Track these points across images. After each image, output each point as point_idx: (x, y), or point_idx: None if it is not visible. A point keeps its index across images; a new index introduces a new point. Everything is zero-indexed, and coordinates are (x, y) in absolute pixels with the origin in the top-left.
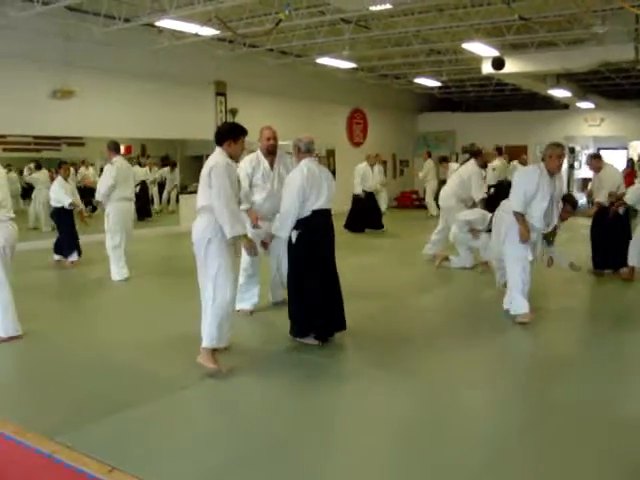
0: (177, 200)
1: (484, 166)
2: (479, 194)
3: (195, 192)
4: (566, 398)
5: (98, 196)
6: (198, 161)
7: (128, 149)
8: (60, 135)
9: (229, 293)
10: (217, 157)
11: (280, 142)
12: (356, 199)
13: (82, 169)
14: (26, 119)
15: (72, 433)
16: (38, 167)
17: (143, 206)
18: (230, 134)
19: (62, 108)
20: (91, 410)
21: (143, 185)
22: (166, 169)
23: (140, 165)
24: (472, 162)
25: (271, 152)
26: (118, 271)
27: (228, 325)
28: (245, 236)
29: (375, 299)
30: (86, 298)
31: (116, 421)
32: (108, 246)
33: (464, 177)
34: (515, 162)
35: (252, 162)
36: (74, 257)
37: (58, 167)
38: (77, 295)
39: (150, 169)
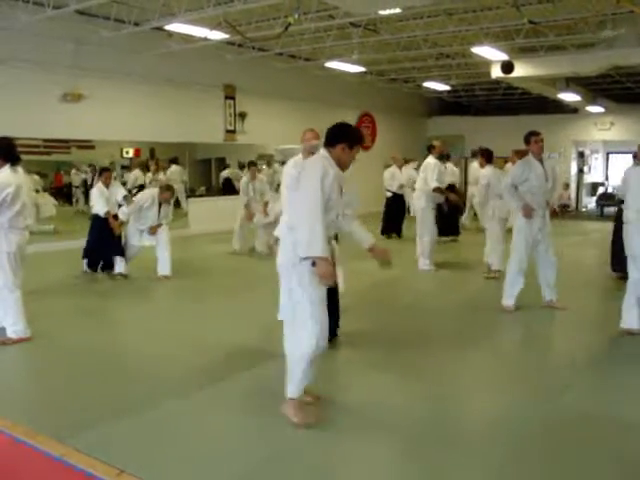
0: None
1: (441, 158)
2: (432, 183)
3: (204, 195)
4: (578, 401)
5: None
6: (207, 164)
7: (137, 152)
8: (70, 138)
9: (318, 334)
10: (316, 157)
11: (291, 145)
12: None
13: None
14: (36, 122)
15: (82, 436)
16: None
17: None
18: (360, 139)
19: (72, 111)
20: (100, 413)
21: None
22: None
23: (147, 169)
24: (429, 157)
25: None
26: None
27: (312, 371)
28: (325, 260)
29: (383, 303)
30: (99, 300)
31: (126, 425)
32: (166, 244)
33: (424, 172)
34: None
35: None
36: (84, 266)
37: (99, 173)
38: (91, 297)
39: (157, 171)
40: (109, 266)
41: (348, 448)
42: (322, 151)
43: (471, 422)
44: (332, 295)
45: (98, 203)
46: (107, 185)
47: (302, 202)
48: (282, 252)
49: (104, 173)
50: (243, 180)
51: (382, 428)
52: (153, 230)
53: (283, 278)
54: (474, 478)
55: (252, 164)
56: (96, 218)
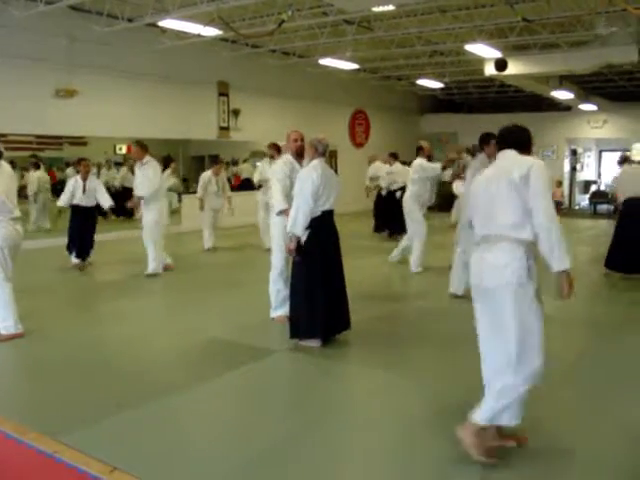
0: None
1: (430, 159)
2: (436, 170)
3: (196, 192)
4: (572, 400)
5: (144, 193)
6: (200, 161)
7: (130, 149)
8: (62, 134)
9: (538, 362)
10: (528, 157)
11: (285, 142)
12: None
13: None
14: (29, 118)
15: (74, 433)
16: (37, 166)
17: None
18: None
19: (64, 107)
20: (93, 410)
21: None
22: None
23: None
24: (418, 158)
25: (300, 154)
26: (158, 264)
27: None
28: (568, 273)
29: (379, 300)
30: (93, 298)
31: (119, 421)
32: (146, 241)
33: (412, 173)
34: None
35: (287, 165)
36: (73, 259)
37: (77, 163)
38: (84, 295)
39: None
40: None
41: (345, 443)
42: (512, 152)
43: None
44: (341, 287)
45: (64, 194)
46: (85, 176)
47: (547, 209)
48: (492, 271)
49: (82, 162)
50: (206, 174)
51: (379, 426)
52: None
53: (491, 302)
54: (473, 477)
55: (216, 159)
56: (74, 210)
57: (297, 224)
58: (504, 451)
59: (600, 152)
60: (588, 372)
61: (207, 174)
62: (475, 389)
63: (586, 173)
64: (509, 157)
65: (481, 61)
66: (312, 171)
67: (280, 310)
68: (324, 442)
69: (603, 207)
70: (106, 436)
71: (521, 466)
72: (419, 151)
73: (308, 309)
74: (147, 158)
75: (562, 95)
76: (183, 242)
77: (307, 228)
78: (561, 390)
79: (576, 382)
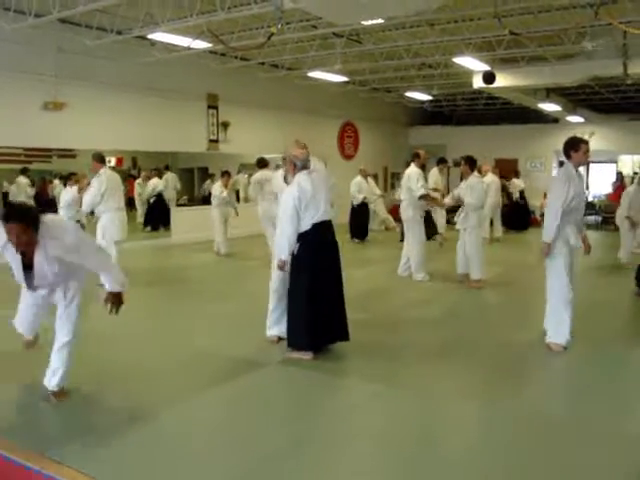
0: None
1: (423, 167)
2: (418, 191)
3: (186, 205)
4: (564, 412)
5: (84, 207)
6: (189, 174)
7: (119, 161)
8: (51, 147)
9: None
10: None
11: (271, 155)
12: (353, 209)
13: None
14: (17, 130)
15: (61, 448)
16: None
17: (162, 216)
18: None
19: (53, 120)
20: (81, 425)
21: (160, 197)
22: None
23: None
24: (412, 165)
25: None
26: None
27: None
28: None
29: (369, 311)
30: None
31: (107, 435)
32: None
33: (406, 181)
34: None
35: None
36: None
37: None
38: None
39: (143, 181)
40: None
41: (335, 459)
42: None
43: (461, 433)
44: (339, 299)
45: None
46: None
47: None
48: None
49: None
50: (217, 185)
51: (368, 439)
52: None
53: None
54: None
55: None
56: None
57: (283, 249)
58: None
59: (588, 164)
60: None
61: (217, 185)
62: (473, 397)
63: None
64: None
65: (469, 74)
66: (293, 189)
67: (273, 329)
68: (314, 457)
69: (591, 218)
70: (94, 451)
71: None
72: (415, 158)
73: (297, 321)
74: (102, 170)
75: (549, 107)
76: (174, 254)
77: (297, 241)
78: None
79: None
